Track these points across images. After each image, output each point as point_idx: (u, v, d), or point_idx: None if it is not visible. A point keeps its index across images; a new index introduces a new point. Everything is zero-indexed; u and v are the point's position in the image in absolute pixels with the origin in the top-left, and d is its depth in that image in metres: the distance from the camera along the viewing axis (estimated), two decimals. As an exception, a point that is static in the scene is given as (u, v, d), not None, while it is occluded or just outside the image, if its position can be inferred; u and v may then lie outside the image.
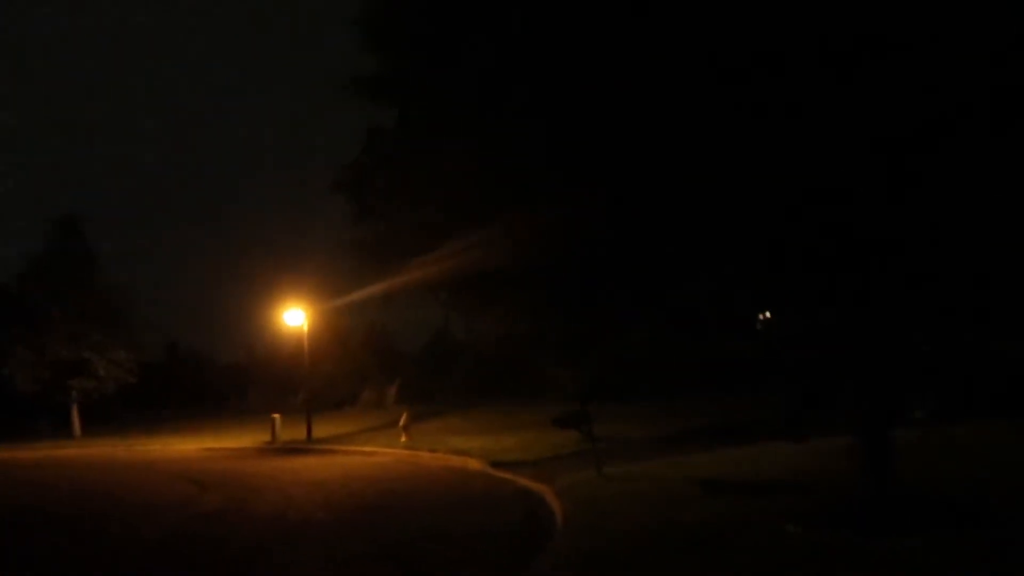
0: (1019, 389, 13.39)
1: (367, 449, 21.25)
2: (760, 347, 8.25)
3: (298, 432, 25.60)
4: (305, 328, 27.58)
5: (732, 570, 6.09)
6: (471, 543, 8.85)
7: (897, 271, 7.04)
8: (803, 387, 16.09)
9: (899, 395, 9.11)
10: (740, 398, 21.95)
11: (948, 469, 9.30)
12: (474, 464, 16.27)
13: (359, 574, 7.79)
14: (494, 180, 6.27)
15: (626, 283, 6.78)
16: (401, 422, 21.96)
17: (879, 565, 5.90)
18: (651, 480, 11.09)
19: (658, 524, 7.95)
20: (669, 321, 7.53)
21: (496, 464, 15.55)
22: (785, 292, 7.82)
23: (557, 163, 6.09)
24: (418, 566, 7.94)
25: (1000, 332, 8.50)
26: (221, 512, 12.30)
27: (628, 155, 5.98)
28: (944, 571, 5.68)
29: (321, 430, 26.07)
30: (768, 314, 8.04)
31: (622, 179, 6.05)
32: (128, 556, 9.54)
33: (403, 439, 21.10)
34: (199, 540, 10.24)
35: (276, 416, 26.14)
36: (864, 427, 7.61)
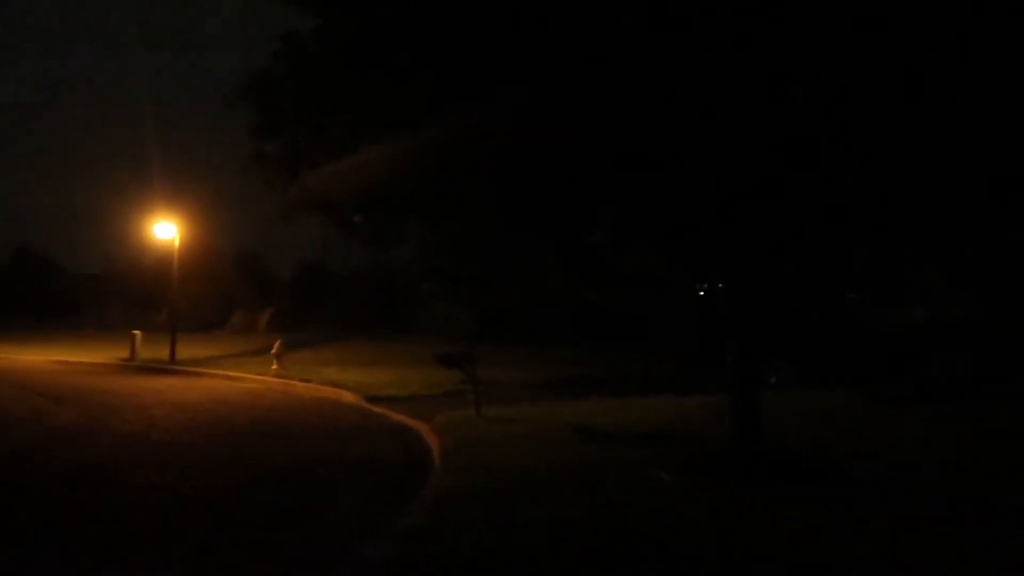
0: (862, 362, 14.59)
1: (235, 374, 20.60)
2: (653, 303, 8.54)
3: (160, 352, 24.43)
4: (176, 243, 26.14)
5: (607, 510, 6.34)
6: (348, 474, 8.80)
7: (773, 233, 7.39)
8: (688, 344, 16.94)
9: (767, 359, 9.70)
10: (613, 351, 22.76)
11: (800, 430, 10.01)
12: (348, 397, 16.11)
13: (231, 499, 7.57)
14: (418, 90, 6.05)
15: (536, 222, 6.81)
16: (273, 350, 21.38)
17: (743, 509, 6.31)
18: (527, 423, 11.35)
19: (535, 465, 8.15)
20: (572, 268, 7.65)
21: (371, 398, 15.45)
22: (676, 249, 8.11)
23: (478, 69, 5.97)
24: (294, 494, 7.82)
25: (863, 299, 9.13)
26: (77, 429, 11.64)
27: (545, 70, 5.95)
28: (807, 515, 6.16)
29: (186, 351, 25.00)
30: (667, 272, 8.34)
31: (540, 95, 6.00)
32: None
33: (275, 367, 20.58)
34: (52, 457, 9.66)
35: (137, 332, 24.84)
36: (738, 385, 8.09)
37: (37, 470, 8.86)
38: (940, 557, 5.22)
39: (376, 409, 14.47)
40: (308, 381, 18.30)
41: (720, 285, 7.84)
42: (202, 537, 6.24)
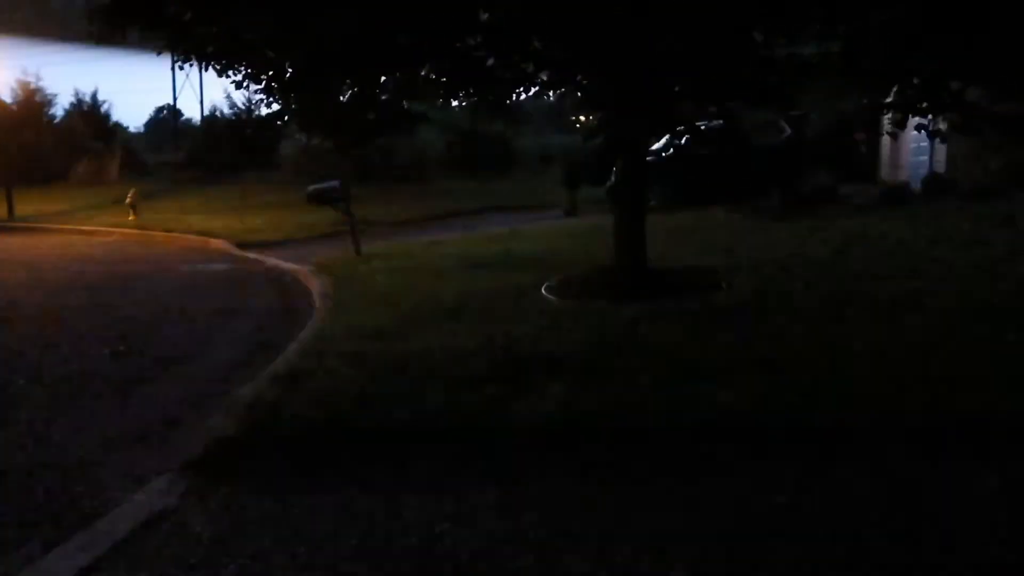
0: (738, 182, 14.92)
1: (87, 228, 18.97)
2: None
3: (-5, 210, 22.08)
4: (-4, 86, 22.99)
5: (495, 335, 6.18)
6: (222, 320, 8.29)
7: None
8: (575, 167, 16.83)
9: (650, 179, 9.62)
10: (497, 180, 22.37)
11: (681, 248, 10.18)
12: (217, 244, 15.18)
13: (91, 353, 6.93)
14: None
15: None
16: (128, 199, 19.72)
17: (622, 323, 6.32)
18: (410, 258, 11.03)
19: (420, 298, 7.90)
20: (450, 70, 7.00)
21: (243, 245, 14.63)
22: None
23: None
24: (161, 345, 7.27)
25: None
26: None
27: None
28: (683, 322, 6.24)
29: (27, 207, 22.68)
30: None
31: None
32: None
33: (131, 217, 19.06)
34: None
35: (-36, 189, 22.21)
36: (622, 206, 8.01)
37: None
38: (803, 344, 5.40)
39: (248, 255, 13.72)
40: (171, 231, 17.07)
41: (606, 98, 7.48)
42: (68, 389, 5.70)
